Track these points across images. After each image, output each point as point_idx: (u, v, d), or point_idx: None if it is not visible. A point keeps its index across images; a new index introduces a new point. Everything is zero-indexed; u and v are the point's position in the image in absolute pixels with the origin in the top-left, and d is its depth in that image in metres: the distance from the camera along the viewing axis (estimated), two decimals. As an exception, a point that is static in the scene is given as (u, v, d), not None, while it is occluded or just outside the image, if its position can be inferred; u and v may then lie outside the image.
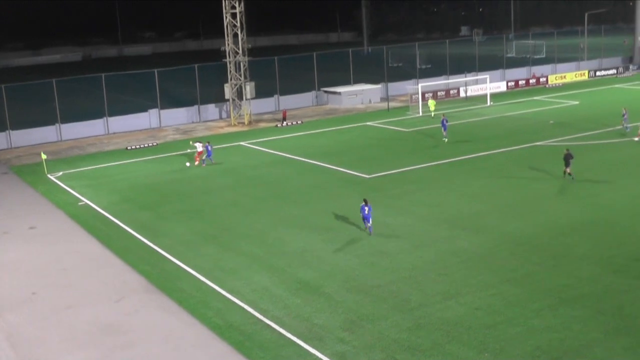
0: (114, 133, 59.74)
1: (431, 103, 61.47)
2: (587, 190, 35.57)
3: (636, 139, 44.06)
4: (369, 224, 30.69)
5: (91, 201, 38.78)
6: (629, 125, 48.83)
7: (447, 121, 49.98)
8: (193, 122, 63.74)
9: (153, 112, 62.59)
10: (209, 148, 46.08)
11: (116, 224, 34.59)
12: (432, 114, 60.26)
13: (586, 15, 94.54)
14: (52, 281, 27.18)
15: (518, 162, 42.37)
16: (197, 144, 46.36)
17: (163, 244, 30.95)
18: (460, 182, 38.72)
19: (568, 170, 37.00)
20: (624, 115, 49.33)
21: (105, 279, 27.11)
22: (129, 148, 53.25)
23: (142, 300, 24.84)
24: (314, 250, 29.18)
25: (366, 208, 30.43)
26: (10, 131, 56.12)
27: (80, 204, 38.62)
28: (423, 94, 65.04)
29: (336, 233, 31.16)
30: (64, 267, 28.65)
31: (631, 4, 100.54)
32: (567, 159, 36.90)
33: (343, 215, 33.57)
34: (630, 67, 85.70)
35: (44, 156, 46.33)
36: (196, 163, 46.01)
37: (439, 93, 69.49)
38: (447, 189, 37.44)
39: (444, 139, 49.22)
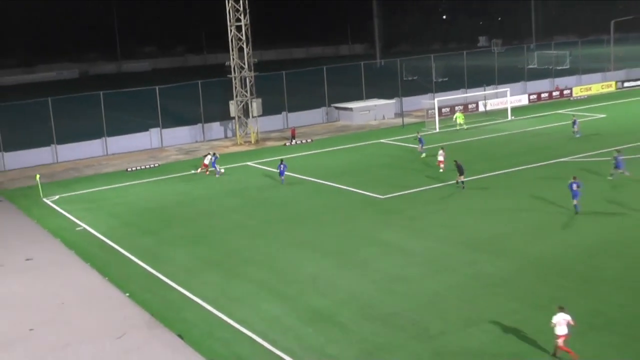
0: (113, 154, 60.06)
1: (459, 116, 62.75)
2: (616, 209, 35.41)
3: (423, 155, 48.14)
4: (282, 178, 45.03)
5: (89, 226, 38.96)
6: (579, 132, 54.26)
7: (423, 139, 52.35)
8: (197, 142, 64.04)
9: (154, 131, 63.00)
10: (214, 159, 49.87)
11: (116, 250, 34.72)
12: (465, 126, 61.64)
13: (612, 23, 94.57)
14: (50, 317, 27.15)
15: (542, 179, 42.27)
16: (207, 157, 50.24)
17: (166, 271, 31.01)
18: (481, 201, 38.70)
19: (461, 178, 40.92)
20: (574, 124, 54.62)
21: (106, 313, 27.07)
22: (128, 170, 53.52)
23: (144, 336, 24.79)
24: (326, 276, 29.19)
25: (281, 165, 44.95)
26: (4, 153, 56.58)
27: (77, 229, 38.80)
28: (440, 109, 65.14)
29: (350, 257, 31.17)
30: (63, 301, 28.65)
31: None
32: (460, 168, 40.92)
33: (357, 239, 33.59)
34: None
35: (37, 177, 46.54)
36: (199, 170, 50.15)
37: (456, 107, 69.41)
38: (467, 209, 37.42)
39: (422, 154, 50.99)
